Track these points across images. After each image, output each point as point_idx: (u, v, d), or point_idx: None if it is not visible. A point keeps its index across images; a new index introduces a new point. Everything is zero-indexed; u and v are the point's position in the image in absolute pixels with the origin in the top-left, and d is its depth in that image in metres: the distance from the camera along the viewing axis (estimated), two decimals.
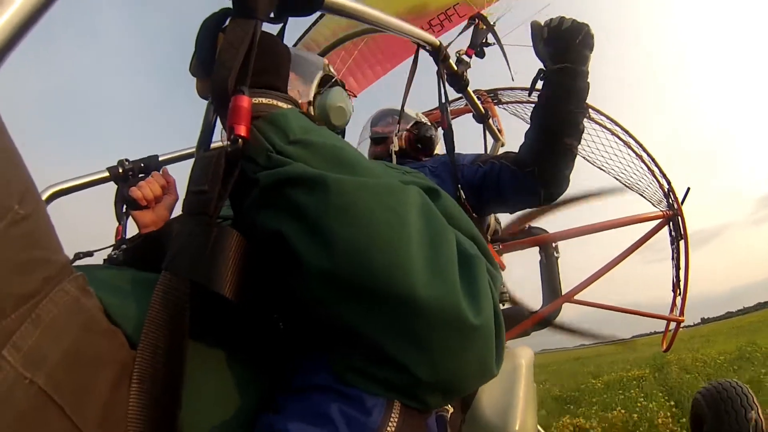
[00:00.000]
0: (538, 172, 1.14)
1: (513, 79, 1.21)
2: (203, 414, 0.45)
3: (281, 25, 0.62)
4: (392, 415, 0.45)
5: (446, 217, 0.54)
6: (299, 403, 0.47)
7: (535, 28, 1.10)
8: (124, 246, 1.04)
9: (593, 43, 1.06)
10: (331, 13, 0.66)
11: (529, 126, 1.18)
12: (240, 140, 0.46)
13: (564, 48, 1.06)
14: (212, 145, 0.53)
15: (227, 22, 0.51)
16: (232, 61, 0.47)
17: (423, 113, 2.25)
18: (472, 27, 1.29)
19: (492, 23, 1.29)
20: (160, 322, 0.42)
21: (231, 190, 0.46)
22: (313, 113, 1.02)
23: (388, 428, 0.44)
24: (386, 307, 0.43)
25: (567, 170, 1.15)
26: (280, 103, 0.53)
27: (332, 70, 1.12)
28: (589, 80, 1.09)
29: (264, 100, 0.52)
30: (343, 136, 1.15)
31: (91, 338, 0.39)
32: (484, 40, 1.26)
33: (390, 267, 0.42)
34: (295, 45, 1.91)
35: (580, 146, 1.97)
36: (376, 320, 0.43)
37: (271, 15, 0.55)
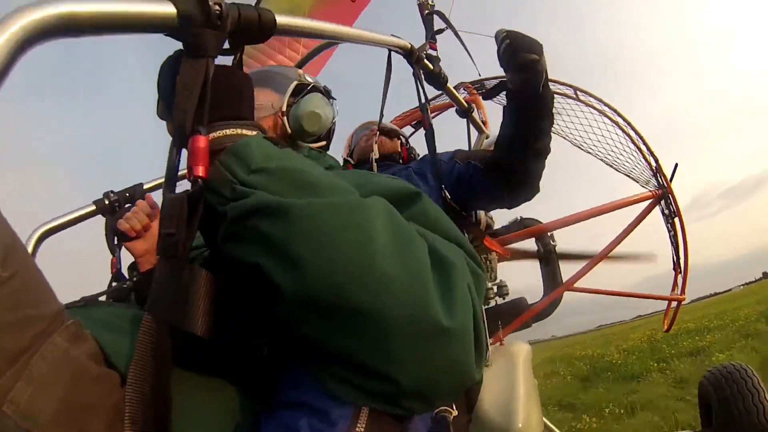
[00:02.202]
0: (501, 177, 1.15)
1: (476, 65, 1.19)
2: None
3: (238, 54, 0.62)
4: (358, 424, 0.46)
5: (425, 219, 0.55)
6: (272, 420, 0.49)
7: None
8: (133, 280, 1.05)
9: (517, 49, 1.01)
10: (287, 35, 0.65)
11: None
12: (199, 181, 0.47)
13: (500, 62, 1.06)
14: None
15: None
16: (186, 102, 0.48)
17: (403, 113, 2.24)
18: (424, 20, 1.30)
19: (431, 3, 1.29)
20: (144, 362, 0.44)
21: (200, 226, 0.48)
22: (287, 123, 1.01)
23: None
24: (360, 322, 0.44)
25: (532, 171, 1.15)
26: (245, 131, 0.54)
27: (307, 78, 1.10)
28: (539, 89, 1.04)
29: (228, 132, 0.52)
30: (329, 142, 1.13)
31: (82, 386, 0.41)
32: (434, 27, 1.26)
33: (359, 284, 0.43)
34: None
35: (567, 131, 1.97)
36: (351, 335, 0.45)
37: (226, 46, 0.55)
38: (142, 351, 0.44)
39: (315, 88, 1.07)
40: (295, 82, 1.06)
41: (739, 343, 5.63)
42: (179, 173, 0.52)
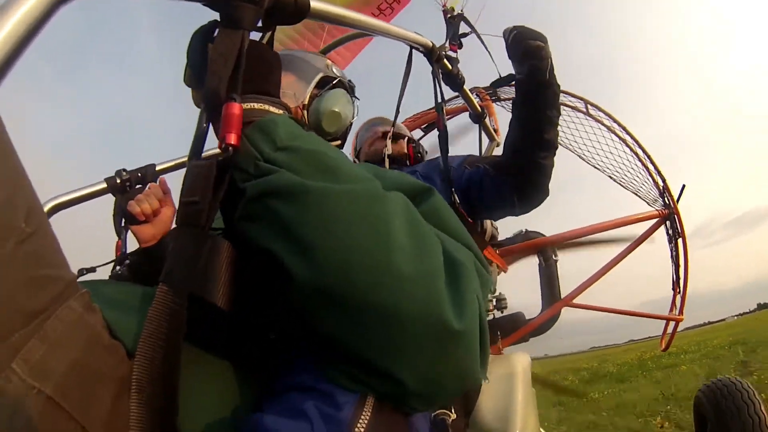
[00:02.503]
0: (512, 178, 1.14)
1: (496, 66, 1.22)
2: (202, 419, 0.47)
3: (270, 32, 0.62)
4: (364, 410, 0.45)
5: (437, 218, 0.54)
6: (280, 402, 0.48)
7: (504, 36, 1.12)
8: (127, 261, 1.03)
9: (523, 37, 1.05)
10: (318, 20, 0.66)
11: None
12: (231, 149, 0.46)
13: (508, 53, 1.09)
14: (204, 153, 0.54)
15: (216, 33, 0.51)
16: (222, 70, 0.48)
17: (415, 116, 2.25)
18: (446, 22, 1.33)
19: (460, 11, 1.32)
20: (155, 334, 0.42)
21: (222, 199, 0.46)
22: (307, 116, 0.99)
23: (359, 423, 0.45)
24: (370, 317, 0.43)
25: (541, 168, 1.13)
26: (271, 108, 0.53)
27: (335, 71, 1.07)
28: (545, 86, 1.06)
29: (256, 105, 0.52)
30: (344, 141, 1.11)
31: (94, 353, 0.41)
32: (459, 31, 1.29)
33: (373, 278, 0.42)
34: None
35: (575, 145, 1.99)
36: (360, 330, 0.44)
37: (259, 24, 0.55)
38: (155, 322, 0.42)
39: (341, 83, 1.04)
40: (321, 74, 1.03)
41: (701, 362, 8.03)
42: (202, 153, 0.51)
